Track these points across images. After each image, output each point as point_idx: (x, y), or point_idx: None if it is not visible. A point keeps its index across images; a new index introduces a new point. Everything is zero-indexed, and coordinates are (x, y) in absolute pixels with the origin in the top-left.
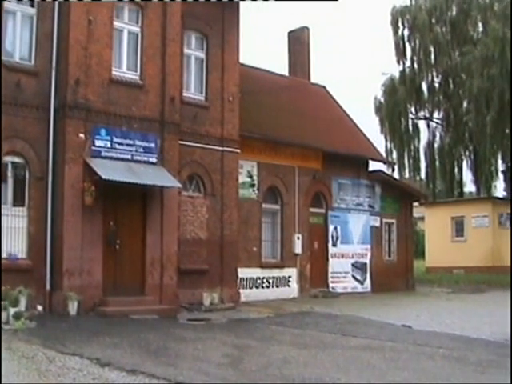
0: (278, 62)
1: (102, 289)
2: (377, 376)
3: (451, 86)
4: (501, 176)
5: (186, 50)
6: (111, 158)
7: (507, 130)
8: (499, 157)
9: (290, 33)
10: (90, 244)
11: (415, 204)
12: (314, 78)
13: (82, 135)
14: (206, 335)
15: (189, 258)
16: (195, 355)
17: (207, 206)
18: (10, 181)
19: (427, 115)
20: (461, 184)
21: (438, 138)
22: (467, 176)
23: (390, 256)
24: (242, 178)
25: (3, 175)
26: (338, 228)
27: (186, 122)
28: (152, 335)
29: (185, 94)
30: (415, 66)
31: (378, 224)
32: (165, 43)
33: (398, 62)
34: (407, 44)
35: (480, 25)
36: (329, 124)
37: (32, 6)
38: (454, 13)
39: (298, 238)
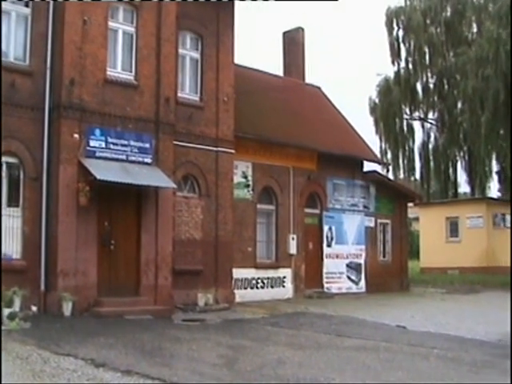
0: (272, 63)
1: (97, 289)
2: (371, 376)
3: (446, 86)
4: (495, 177)
5: (180, 51)
6: (106, 159)
7: (502, 131)
8: (493, 157)
9: (284, 33)
10: (85, 244)
11: (410, 204)
12: (308, 79)
13: (76, 135)
14: (200, 336)
15: (183, 258)
16: (190, 356)
17: (202, 206)
18: (5, 181)
19: (422, 116)
20: (455, 184)
21: (432, 139)
22: (462, 176)
23: (384, 256)
24: (237, 178)
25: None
26: (333, 228)
27: (181, 123)
28: (147, 336)
29: (180, 95)
30: (410, 66)
31: (372, 224)
32: (160, 43)
33: (393, 63)
34: (402, 45)
35: (475, 26)
36: (323, 125)
37: (27, 5)
38: (449, 14)
39: (293, 238)
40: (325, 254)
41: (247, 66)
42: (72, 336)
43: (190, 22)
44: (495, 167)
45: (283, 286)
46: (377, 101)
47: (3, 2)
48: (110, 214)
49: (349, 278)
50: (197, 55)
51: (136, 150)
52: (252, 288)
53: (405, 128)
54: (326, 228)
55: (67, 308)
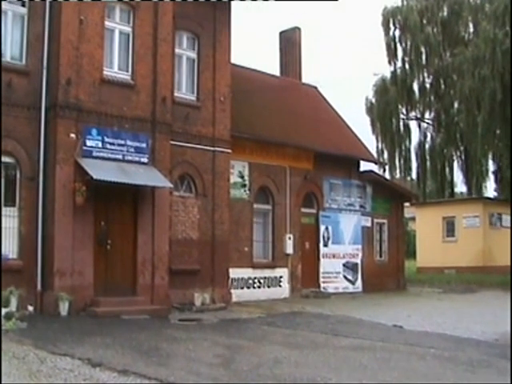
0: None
1: (94, 289)
2: (368, 376)
3: (442, 86)
4: (491, 176)
5: (177, 50)
6: (102, 158)
7: (498, 131)
8: (490, 157)
9: (281, 33)
10: (81, 244)
11: (406, 204)
12: (305, 79)
13: (73, 135)
14: (197, 335)
15: (180, 258)
16: (187, 355)
17: (198, 206)
18: (1, 181)
19: (418, 115)
20: (452, 184)
21: (429, 139)
22: (458, 176)
23: (381, 256)
24: (234, 178)
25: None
26: (330, 228)
27: (178, 122)
28: (143, 335)
29: (176, 94)
30: (406, 66)
31: (369, 224)
32: (156, 43)
33: (390, 63)
34: (398, 44)
35: (471, 26)
36: (320, 124)
37: (23, 5)
38: (446, 14)
39: (290, 238)
40: (321, 254)
41: (244, 65)
42: (69, 336)
43: (187, 22)
44: (492, 167)
45: (280, 286)
46: (373, 100)
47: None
48: (107, 214)
49: (345, 277)
50: (193, 55)
51: (132, 150)
52: (249, 288)
53: (401, 128)
54: (322, 228)
55: (64, 308)
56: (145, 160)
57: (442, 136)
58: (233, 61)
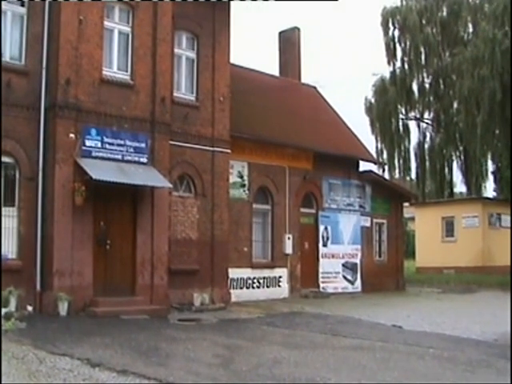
0: (268, 63)
1: (93, 289)
2: (367, 376)
3: (441, 86)
4: (491, 176)
5: (176, 50)
6: (102, 158)
7: (497, 131)
8: (489, 157)
9: (280, 33)
10: (81, 244)
11: (405, 204)
12: (304, 79)
13: (72, 135)
14: (196, 335)
15: (179, 258)
16: (186, 355)
17: (198, 206)
18: (1, 181)
19: (418, 116)
20: (451, 184)
21: (428, 139)
22: (457, 176)
23: (380, 256)
24: (233, 178)
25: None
26: (329, 228)
27: (177, 122)
28: (143, 335)
29: (175, 94)
30: (406, 66)
31: (368, 224)
32: (155, 43)
33: (389, 63)
34: (398, 45)
35: (470, 26)
36: (319, 124)
37: (22, 5)
38: (445, 14)
39: (289, 238)
40: (321, 254)
41: (243, 65)
42: (68, 336)
43: (186, 22)
44: (491, 167)
45: (279, 286)
46: (373, 101)
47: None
48: (106, 214)
49: (345, 277)
50: (193, 55)
51: (132, 150)
52: (248, 288)
53: (400, 128)
54: (321, 228)
55: (63, 308)
56: (144, 160)
57: (441, 136)
58: (232, 61)
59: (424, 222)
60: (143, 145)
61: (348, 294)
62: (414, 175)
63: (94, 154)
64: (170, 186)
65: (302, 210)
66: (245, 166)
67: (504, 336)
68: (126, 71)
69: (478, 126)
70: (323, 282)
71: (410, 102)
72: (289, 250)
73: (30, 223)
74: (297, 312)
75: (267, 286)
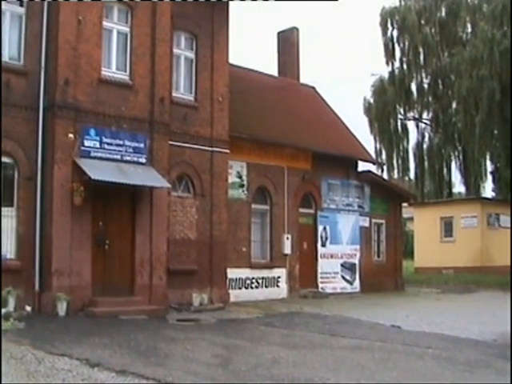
0: (267, 63)
1: (91, 289)
2: (366, 376)
3: (440, 86)
4: (489, 176)
5: (175, 50)
6: (100, 158)
7: (496, 131)
8: (488, 157)
9: (279, 33)
10: (79, 244)
11: (404, 204)
12: (303, 79)
13: (71, 135)
14: (195, 335)
15: (178, 258)
16: (184, 355)
17: (197, 206)
18: (0, 181)
19: (416, 116)
20: (450, 184)
21: (427, 139)
22: (456, 177)
23: (379, 256)
24: (232, 178)
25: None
26: (328, 228)
27: (176, 122)
28: (141, 336)
29: (174, 94)
30: (404, 66)
31: (367, 224)
32: (154, 43)
33: (387, 63)
34: (396, 45)
35: (469, 26)
36: (318, 124)
37: (21, 5)
38: (443, 14)
39: (288, 238)
40: (319, 254)
41: (242, 65)
42: (66, 336)
43: (185, 22)
44: (489, 167)
45: (278, 286)
46: (371, 101)
47: None
48: (105, 214)
49: (343, 277)
50: (191, 55)
51: (131, 150)
52: (246, 288)
53: (399, 128)
54: (320, 228)
55: (62, 308)
56: (143, 160)
57: (439, 136)
58: (231, 61)
59: (423, 222)
60: (142, 145)
61: (347, 294)
62: (412, 175)
63: (92, 154)
64: (169, 186)
65: (301, 210)
66: (243, 166)
67: (503, 336)
68: (125, 71)
69: (477, 126)
70: (322, 282)
71: (409, 102)
72: (287, 250)
73: (29, 223)
74: (295, 312)
75: (266, 286)
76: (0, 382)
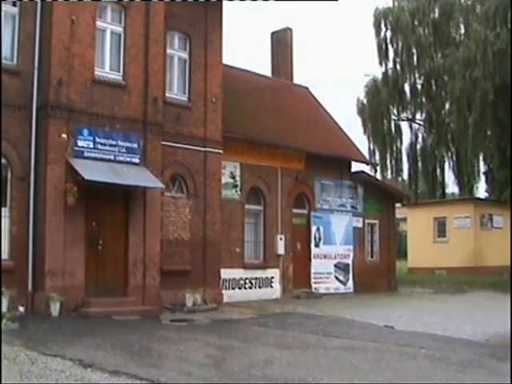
0: (261, 63)
1: (85, 290)
2: (359, 376)
3: (433, 87)
4: (482, 177)
5: (168, 51)
6: (94, 159)
7: (489, 132)
8: (481, 158)
9: (273, 34)
10: (73, 245)
11: (398, 205)
12: (296, 79)
13: (64, 135)
14: (188, 336)
15: (171, 258)
16: (178, 356)
17: (190, 206)
18: None
19: (410, 116)
20: (443, 185)
21: (420, 140)
22: (449, 177)
23: (372, 257)
24: (225, 178)
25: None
26: (321, 229)
27: (169, 123)
28: (135, 336)
29: (168, 95)
30: (398, 67)
31: (360, 225)
32: (148, 43)
33: (381, 64)
34: (390, 45)
35: (462, 27)
36: (311, 125)
37: (14, 5)
38: (437, 15)
39: (281, 238)
40: (313, 255)
41: (235, 66)
42: (60, 336)
43: (179, 22)
44: (482, 168)
45: (271, 287)
46: (365, 101)
47: None
48: (98, 214)
49: (337, 278)
50: (185, 55)
51: (124, 150)
52: (240, 288)
53: (393, 128)
54: (313, 228)
55: (55, 308)
56: (136, 160)
57: (433, 137)
58: (224, 61)
59: (416, 223)
60: (135, 145)
61: (340, 295)
62: (406, 176)
63: (86, 154)
64: (162, 186)
65: (294, 210)
66: (237, 166)
67: (495, 336)
68: (118, 71)
69: (470, 126)
70: (315, 283)
71: (402, 103)
72: (281, 250)
73: (22, 223)
74: (289, 312)
75: (259, 287)
76: (0, 382)
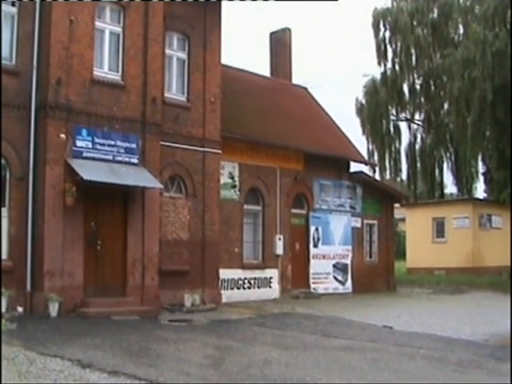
0: (259, 63)
1: (83, 290)
2: (358, 376)
3: (432, 87)
4: (481, 177)
5: (167, 51)
6: (92, 159)
7: (487, 132)
8: (479, 158)
9: (271, 34)
10: (71, 245)
11: (396, 205)
12: (295, 80)
13: (63, 135)
14: (187, 336)
15: (170, 258)
16: (177, 356)
17: (189, 206)
18: None
19: (408, 117)
20: (441, 185)
21: (419, 140)
22: (448, 177)
23: (371, 257)
24: (224, 179)
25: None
26: (320, 229)
27: (168, 123)
28: (133, 336)
29: (166, 95)
30: (396, 67)
31: (359, 225)
32: (147, 43)
33: (380, 64)
34: (388, 46)
35: (461, 27)
36: (310, 125)
37: (13, 5)
38: (436, 15)
39: (280, 239)
40: (311, 255)
41: (234, 66)
42: (58, 337)
43: (177, 23)
44: (481, 168)
45: (270, 287)
46: (363, 102)
47: None
48: (97, 215)
49: (335, 278)
50: (184, 55)
51: (122, 151)
52: (239, 288)
53: (391, 129)
54: (312, 228)
55: (53, 309)
56: (135, 161)
57: (431, 137)
58: (223, 62)
59: (415, 223)
60: (134, 145)
61: (339, 295)
62: (404, 176)
63: (84, 154)
64: (161, 186)
65: (293, 210)
66: (236, 166)
67: (494, 336)
68: (117, 71)
69: (469, 127)
70: (314, 283)
71: (401, 103)
72: (279, 250)
73: (21, 223)
74: (287, 313)
75: (258, 287)
76: (0, 382)
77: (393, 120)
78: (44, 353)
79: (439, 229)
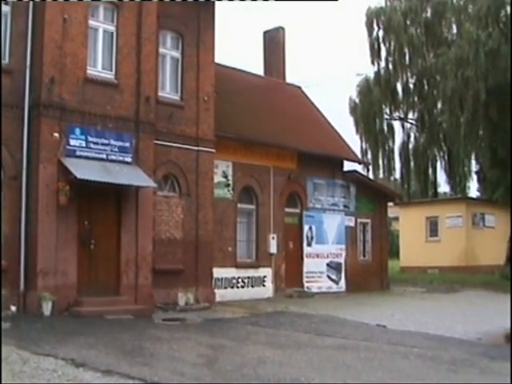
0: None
1: (77, 289)
2: (352, 375)
3: (426, 87)
4: (474, 176)
5: (161, 50)
6: (86, 158)
7: (481, 132)
8: (473, 157)
9: (265, 33)
10: (65, 244)
11: (390, 204)
12: (289, 79)
13: (56, 134)
14: (181, 335)
15: (164, 257)
16: (170, 355)
17: (182, 205)
18: None
19: (402, 116)
20: (435, 184)
21: (412, 139)
22: (441, 176)
23: (364, 256)
24: (217, 177)
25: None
26: (313, 228)
27: (161, 122)
28: (127, 335)
29: (160, 94)
30: (390, 66)
31: (352, 224)
32: (140, 42)
33: (373, 63)
34: (382, 45)
35: (454, 27)
36: (304, 124)
37: (6, 3)
38: (429, 14)
39: (273, 238)
40: (305, 254)
41: (228, 65)
42: (52, 336)
43: (171, 22)
44: (474, 167)
45: (263, 286)
46: (357, 101)
47: None
48: (90, 214)
49: (329, 277)
50: (177, 54)
51: (116, 149)
52: (232, 287)
53: (385, 128)
54: (306, 227)
55: (47, 308)
56: (128, 159)
57: (425, 136)
58: (217, 60)
59: (408, 222)
60: (128, 144)
61: (332, 294)
62: (398, 175)
63: (78, 153)
64: (155, 185)
65: (287, 209)
66: (229, 165)
67: (487, 335)
68: (111, 70)
69: (462, 126)
70: (307, 282)
71: (395, 102)
72: (273, 249)
73: (14, 223)
74: (281, 311)
75: (252, 286)
76: (0, 381)
77: (386, 119)
78: (37, 352)
79: (432, 228)
